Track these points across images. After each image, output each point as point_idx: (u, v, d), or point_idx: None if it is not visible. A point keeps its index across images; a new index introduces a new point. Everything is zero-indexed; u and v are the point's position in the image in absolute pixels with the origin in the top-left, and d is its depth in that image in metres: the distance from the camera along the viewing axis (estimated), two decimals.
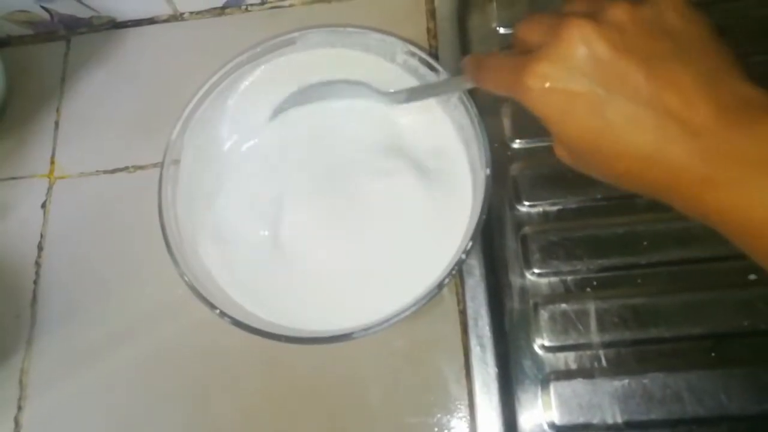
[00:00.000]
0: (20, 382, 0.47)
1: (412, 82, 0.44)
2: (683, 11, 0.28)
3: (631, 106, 0.26)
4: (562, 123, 0.28)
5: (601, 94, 0.26)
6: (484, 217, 0.37)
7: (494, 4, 0.54)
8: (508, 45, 0.53)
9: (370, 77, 0.44)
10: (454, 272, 0.36)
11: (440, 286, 0.36)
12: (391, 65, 0.45)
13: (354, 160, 0.42)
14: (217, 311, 0.38)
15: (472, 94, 0.41)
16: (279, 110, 0.44)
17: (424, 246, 0.39)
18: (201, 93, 0.42)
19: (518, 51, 0.31)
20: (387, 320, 0.36)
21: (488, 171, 0.38)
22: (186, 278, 0.39)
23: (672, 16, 0.28)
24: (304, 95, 0.44)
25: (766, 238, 0.24)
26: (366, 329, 0.36)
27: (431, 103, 0.43)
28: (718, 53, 0.27)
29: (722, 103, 0.25)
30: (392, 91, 0.42)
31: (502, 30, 0.53)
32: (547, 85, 0.27)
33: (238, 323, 0.37)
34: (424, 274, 0.38)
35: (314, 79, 0.44)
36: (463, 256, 0.37)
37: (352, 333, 0.36)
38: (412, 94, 0.41)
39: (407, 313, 0.36)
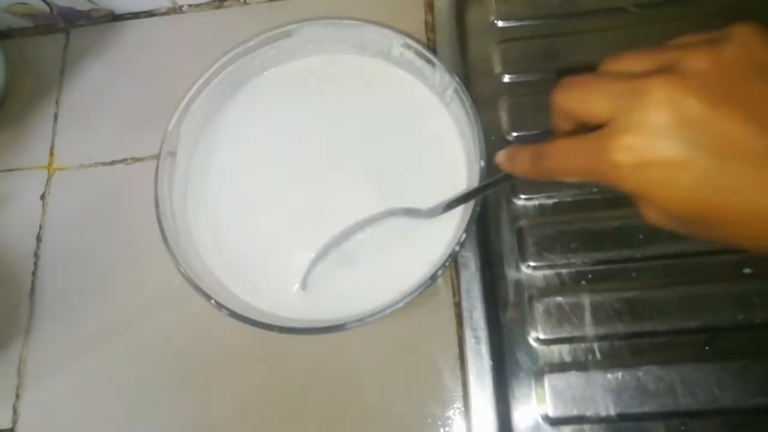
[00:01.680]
0: (18, 371, 0.47)
1: (409, 80, 0.44)
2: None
3: (746, 167, 0.23)
4: (662, 197, 0.24)
5: (704, 159, 0.23)
6: (478, 209, 0.37)
7: None
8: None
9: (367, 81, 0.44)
10: (447, 264, 0.37)
11: (434, 277, 0.36)
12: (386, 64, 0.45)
13: (346, 146, 0.42)
14: (213, 302, 0.38)
15: (468, 86, 0.41)
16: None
17: (417, 237, 0.39)
18: (197, 85, 0.43)
19: (570, 126, 0.29)
20: (380, 311, 0.36)
21: (482, 163, 0.38)
22: (182, 269, 0.39)
23: (758, 49, 0.24)
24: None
25: None
26: (360, 320, 0.36)
27: (428, 94, 0.43)
28: None
29: None
30: (427, 207, 0.40)
31: (500, 23, 0.54)
32: (639, 158, 0.24)
33: (233, 314, 0.38)
34: (417, 266, 0.38)
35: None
36: (457, 248, 0.37)
37: (346, 324, 0.36)
38: (450, 205, 0.38)
39: (401, 304, 0.36)
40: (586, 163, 0.26)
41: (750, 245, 0.25)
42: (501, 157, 0.33)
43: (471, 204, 0.37)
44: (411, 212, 0.40)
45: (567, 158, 0.28)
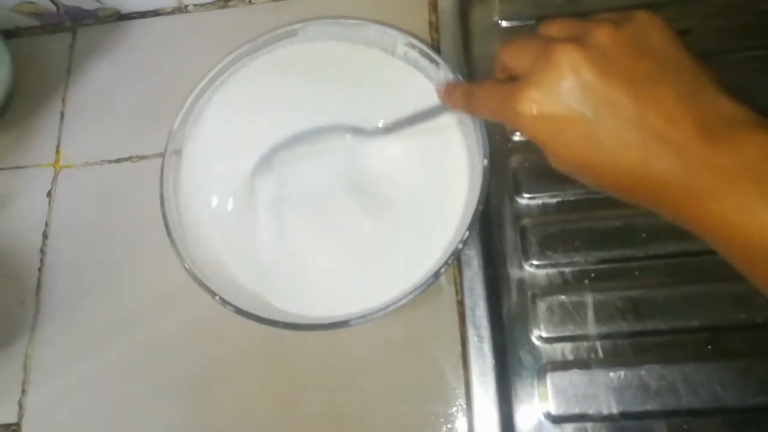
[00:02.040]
0: (24, 367, 0.47)
1: (414, 75, 0.44)
2: (662, 30, 0.29)
3: (618, 127, 0.27)
4: (554, 145, 0.29)
5: (589, 117, 0.27)
6: (481, 207, 0.37)
7: None
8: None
9: (370, 71, 0.45)
10: (450, 261, 0.37)
11: (437, 274, 0.36)
12: (393, 59, 0.45)
13: (348, 144, 0.43)
14: (218, 298, 0.38)
15: None
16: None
17: (421, 235, 0.40)
18: (203, 84, 0.43)
19: (504, 76, 0.32)
20: (384, 308, 0.36)
21: (486, 162, 0.38)
22: (187, 266, 0.39)
23: (652, 35, 0.28)
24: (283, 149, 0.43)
25: (741, 244, 0.26)
26: (363, 316, 0.36)
27: (431, 92, 0.43)
28: (696, 71, 0.28)
29: (703, 119, 0.26)
30: (371, 127, 0.42)
31: (504, 23, 0.54)
32: (537, 110, 0.28)
33: (238, 311, 0.38)
34: (421, 263, 0.38)
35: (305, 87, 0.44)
36: (460, 246, 0.37)
37: (350, 320, 0.36)
38: (392, 126, 0.41)
39: (404, 301, 0.37)
40: (499, 108, 0.31)
41: (615, 194, 0.29)
42: (440, 89, 0.39)
43: (474, 202, 0.38)
44: (356, 130, 0.42)
45: (487, 100, 0.32)
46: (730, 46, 0.50)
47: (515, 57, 0.31)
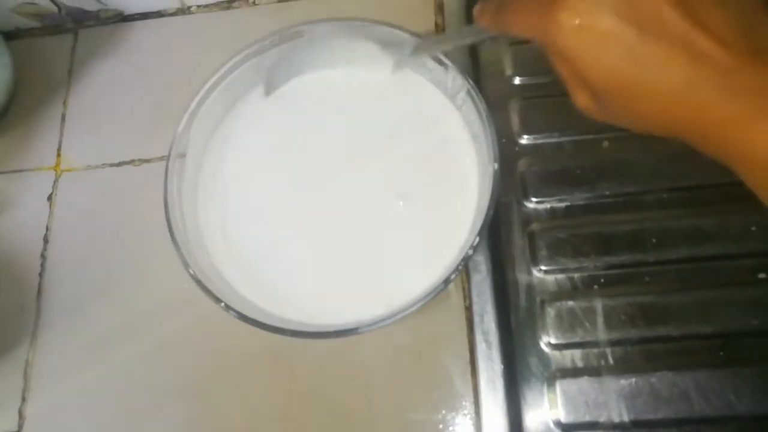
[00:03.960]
0: (25, 374, 0.47)
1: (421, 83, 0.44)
2: None
3: (663, 46, 0.25)
4: (592, 63, 0.27)
5: (633, 34, 0.26)
6: (491, 212, 0.37)
7: None
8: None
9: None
10: (460, 267, 0.36)
11: (446, 281, 0.36)
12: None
13: (357, 149, 0.42)
14: (222, 304, 0.37)
15: (481, 88, 0.40)
16: (273, 83, 0.44)
17: (430, 241, 0.39)
18: (208, 86, 0.42)
19: None
20: (393, 315, 0.36)
21: (496, 166, 0.37)
22: (191, 271, 0.38)
23: None
24: (298, 59, 0.43)
25: None
26: (372, 324, 0.36)
27: (439, 96, 0.43)
28: None
29: (756, 44, 0.25)
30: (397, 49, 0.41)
31: None
32: (579, 21, 0.26)
33: (243, 317, 0.37)
34: (430, 270, 0.38)
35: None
36: (470, 252, 0.36)
37: (358, 328, 0.36)
38: (420, 49, 0.40)
39: (413, 308, 0.36)
40: (536, 20, 0.28)
41: (645, 125, 0.28)
42: (475, 9, 0.35)
43: (484, 208, 0.37)
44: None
45: (522, 13, 0.30)
46: None
47: None
